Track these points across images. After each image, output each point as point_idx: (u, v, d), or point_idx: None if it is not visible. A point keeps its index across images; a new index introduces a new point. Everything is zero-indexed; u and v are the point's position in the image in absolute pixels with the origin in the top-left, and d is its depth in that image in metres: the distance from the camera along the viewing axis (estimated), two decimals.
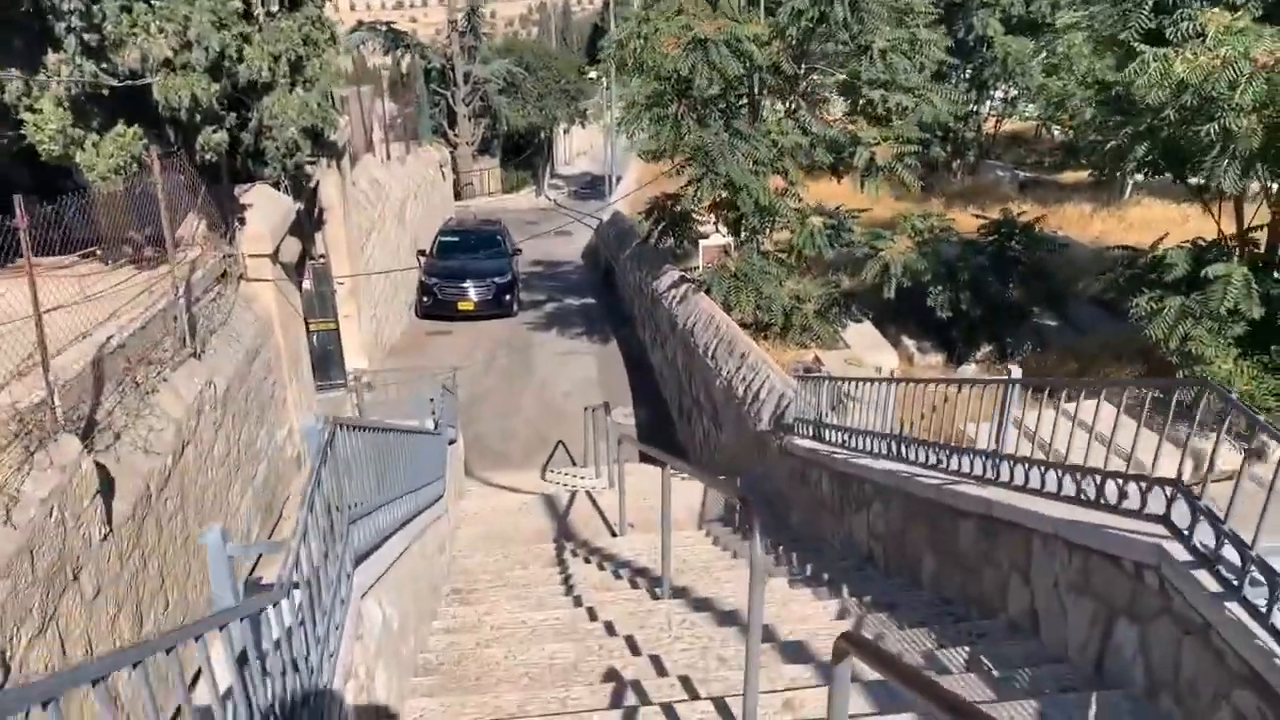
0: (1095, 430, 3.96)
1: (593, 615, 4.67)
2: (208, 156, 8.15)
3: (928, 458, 4.82)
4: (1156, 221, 19.91)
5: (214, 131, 8.12)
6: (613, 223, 22.52)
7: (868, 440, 5.61)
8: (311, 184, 12.32)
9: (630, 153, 35.98)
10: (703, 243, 12.80)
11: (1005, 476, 4.11)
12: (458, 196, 30.93)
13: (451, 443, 8.75)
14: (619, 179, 30.11)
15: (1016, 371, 5.94)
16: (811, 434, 6.73)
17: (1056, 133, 30.18)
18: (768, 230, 13.66)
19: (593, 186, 38.13)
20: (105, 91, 7.42)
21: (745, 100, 12.79)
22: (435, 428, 7.29)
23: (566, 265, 24.94)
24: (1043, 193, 25.50)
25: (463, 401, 13.71)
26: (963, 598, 4.41)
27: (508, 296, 18.68)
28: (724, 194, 12.97)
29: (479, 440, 12.73)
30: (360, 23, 30.14)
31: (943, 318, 13.18)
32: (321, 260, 13.09)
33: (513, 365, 15.61)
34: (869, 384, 5.92)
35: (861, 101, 12.71)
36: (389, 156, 19.49)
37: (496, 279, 18.62)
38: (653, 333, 15.01)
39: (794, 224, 12.88)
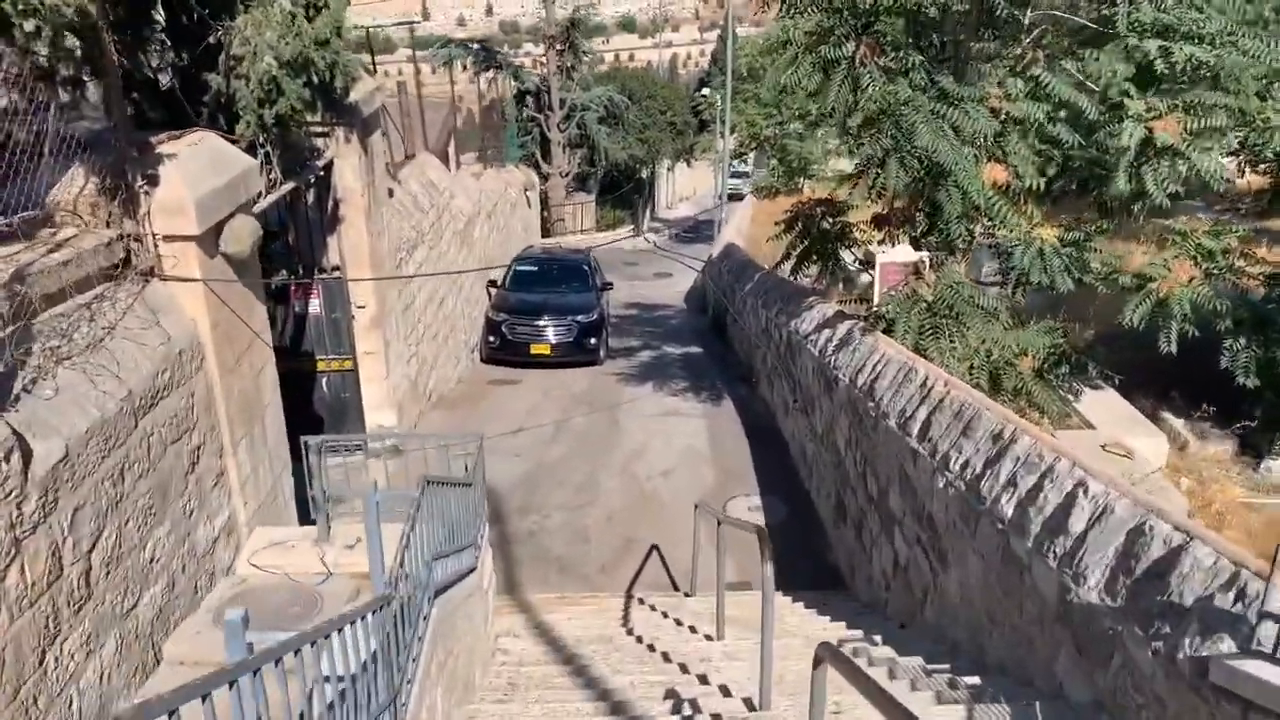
0: None
1: None
2: (36, 55, 4.43)
3: None
4: None
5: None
6: (725, 256, 18.53)
7: None
8: (320, 162, 8.70)
9: (744, 188, 32.22)
10: (880, 258, 8.61)
11: None
12: (546, 232, 27.52)
13: (465, 574, 4.72)
14: (725, 197, 26.23)
15: None
16: None
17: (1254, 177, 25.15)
18: (964, 247, 9.37)
19: (696, 231, 34.51)
20: None
21: (947, 50, 8.65)
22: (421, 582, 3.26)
23: (666, 309, 21.05)
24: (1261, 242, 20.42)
25: (517, 480, 9.75)
26: None
27: (593, 340, 14.78)
28: (898, 189, 8.86)
29: (534, 539, 8.70)
30: (449, 39, 27.35)
31: (1246, 386, 8.65)
32: (335, 274, 9.42)
33: (593, 429, 11.60)
34: None
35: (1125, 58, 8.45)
36: (458, 165, 16.02)
37: (580, 317, 14.76)
38: (788, 392, 10.81)
39: (1018, 236, 8.58)
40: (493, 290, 15.65)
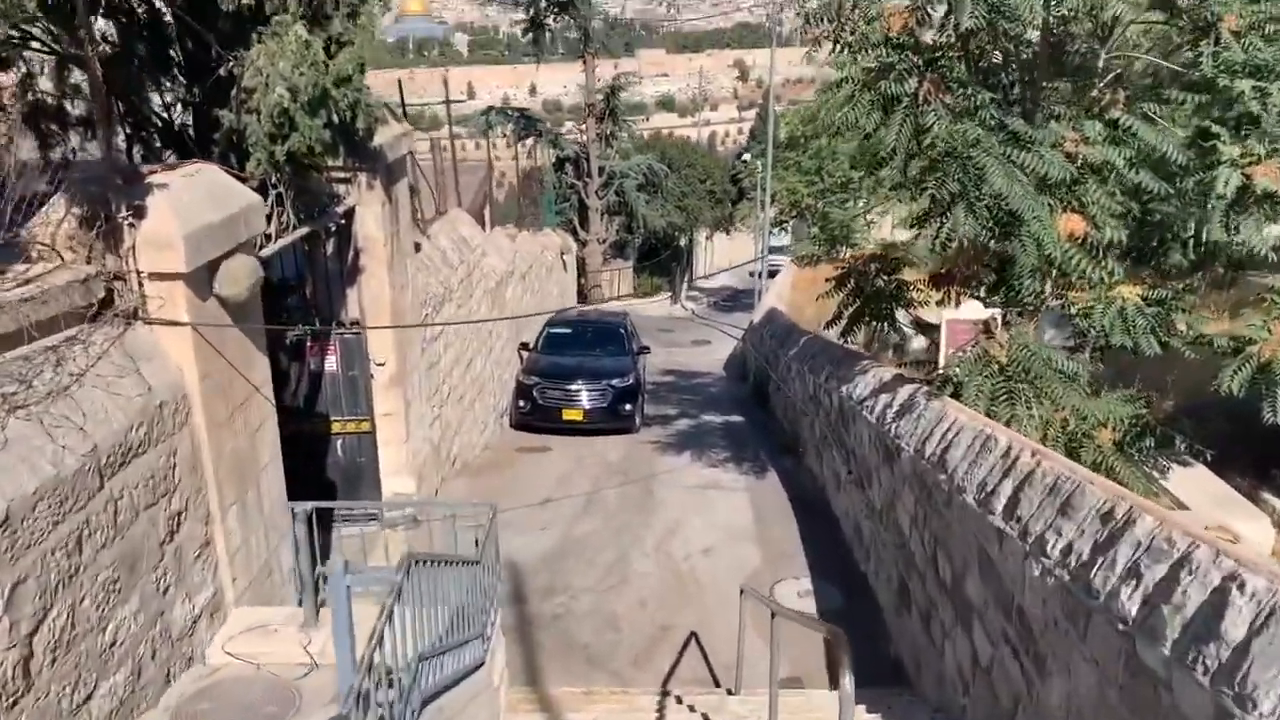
0: None
1: None
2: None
3: None
4: None
5: None
6: (768, 321, 17.83)
7: None
8: (339, 208, 8.18)
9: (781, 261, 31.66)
10: (947, 316, 7.82)
11: None
12: (583, 298, 27.09)
13: (470, 672, 3.91)
14: (765, 266, 25.68)
15: None
16: None
17: None
18: (1035, 306, 8.52)
19: (735, 300, 33.99)
20: None
21: (1015, 91, 7.96)
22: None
23: (705, 376, 20.31)
24: None
25: (543, 557, 8.94)
26: None
27: (628, 406, 14.04)
28: (965, 240, 8.16)
29: (559, 624, 7.83)
30: (491, 107, 27.43)
31: None
32: (354, 329, 8.82)
33: (627, 501, 10.79)
34: None
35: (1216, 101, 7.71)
36: (491, 225, 15.61)
37: (615, 382, 14.07)
38: (840, 463, 9.95)
39: (1097, 295, 7.74)
40: (524, 353, 15.05)
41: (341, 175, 8.33)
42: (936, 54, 7.23)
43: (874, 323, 9.47)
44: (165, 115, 7.48)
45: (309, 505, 4.86)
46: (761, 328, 18.03)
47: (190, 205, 5.32)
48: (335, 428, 9.15)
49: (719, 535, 9.72)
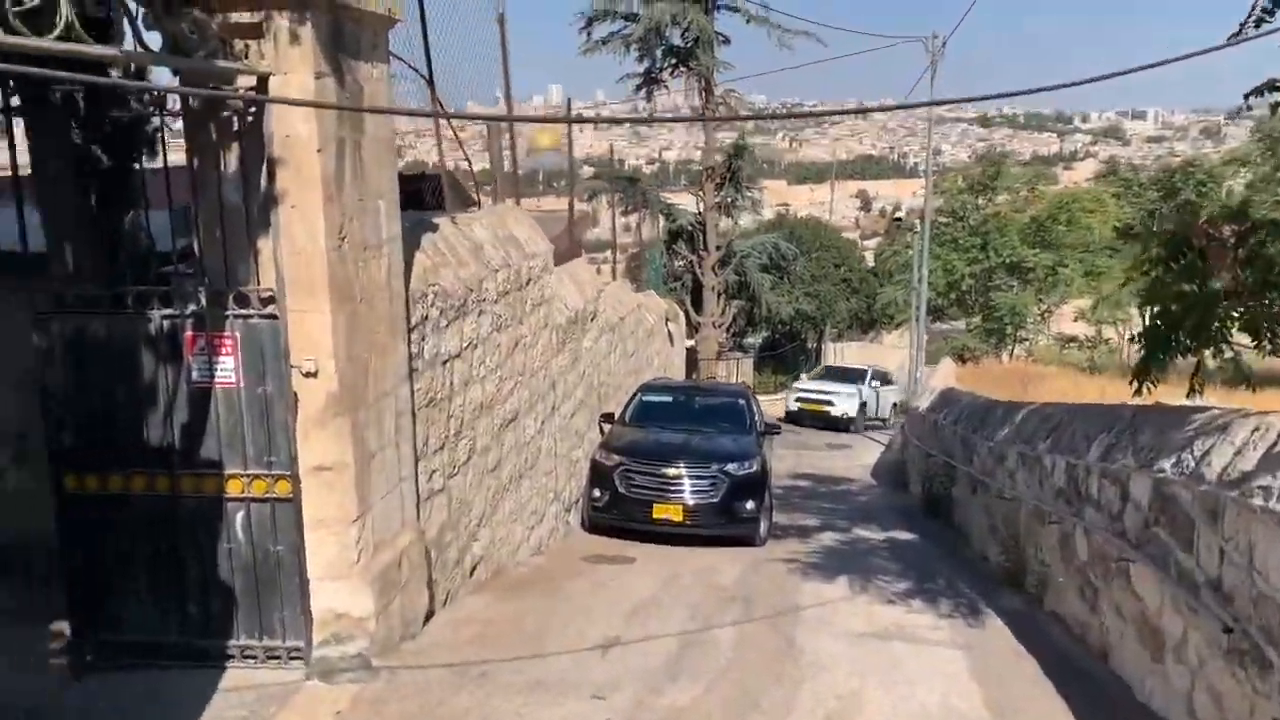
0: None
1: None
2: None
3: None
4: None
5: None
6: (944, 404, 13.19)
7: None
8: (235, 67, 4.36)
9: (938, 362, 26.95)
10: None
11: None
12: None
13: None
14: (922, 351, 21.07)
15: None
16: None
17: None
18: None
19: None
20: None
21: None
22: None
23: (849, 483, 15.72)
24: None
25: None
26: None
27: (750, 503, 9.62)
28: None
29: None
30: (596, 174, 24.35)
31: None
32: (266, 306, 4.89)
33: (750, 651, 6.28)
34: None
35: None
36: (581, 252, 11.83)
37: (731, 468, 9.71)
38: (1162, 607, 5.20)
39: None
40: (606, 427, 10.91)
41: (248, 20, 4.57)
42: None
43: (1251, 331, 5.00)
44: None
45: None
46: (934, 413, 13.37)
47: None
48: (234, 487, 5.12)
49: None
